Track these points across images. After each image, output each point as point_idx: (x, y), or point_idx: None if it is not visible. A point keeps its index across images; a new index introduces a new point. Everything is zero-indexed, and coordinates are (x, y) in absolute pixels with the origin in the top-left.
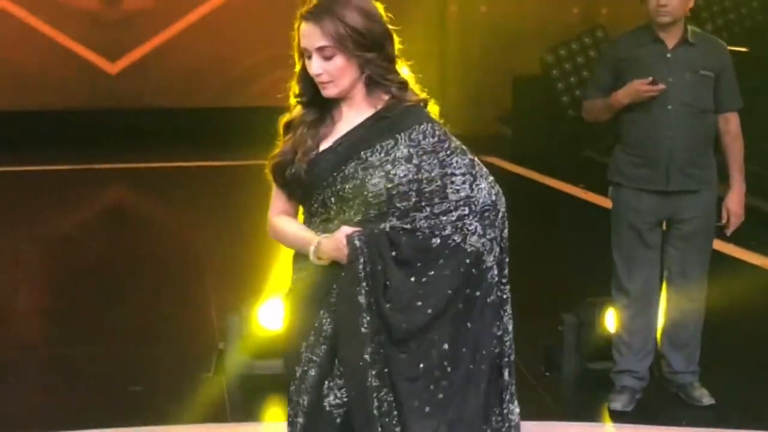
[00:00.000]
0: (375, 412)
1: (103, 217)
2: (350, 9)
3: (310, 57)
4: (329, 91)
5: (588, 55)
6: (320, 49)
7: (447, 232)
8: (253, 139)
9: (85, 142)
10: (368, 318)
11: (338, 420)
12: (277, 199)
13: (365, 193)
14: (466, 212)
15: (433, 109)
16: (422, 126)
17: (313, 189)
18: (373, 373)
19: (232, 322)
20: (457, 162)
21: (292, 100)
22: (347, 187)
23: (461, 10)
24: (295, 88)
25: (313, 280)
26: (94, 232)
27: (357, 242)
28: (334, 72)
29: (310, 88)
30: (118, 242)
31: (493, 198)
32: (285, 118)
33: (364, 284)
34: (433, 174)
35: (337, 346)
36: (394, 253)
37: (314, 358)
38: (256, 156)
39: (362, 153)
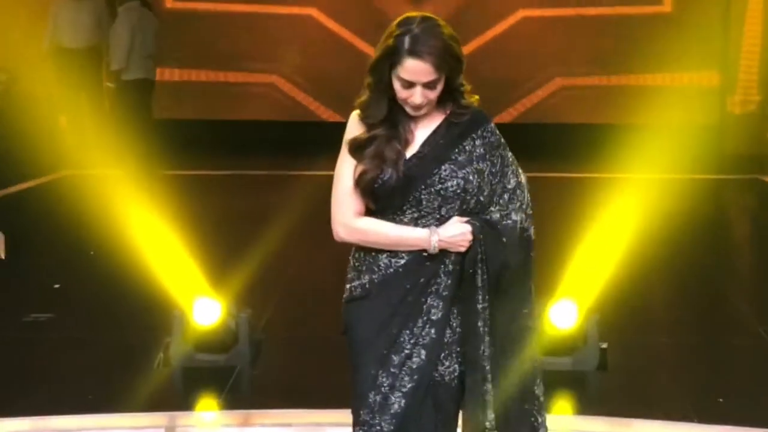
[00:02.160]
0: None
1: None
2: (454, 41)
3: (409, 87)
4: (420, 112)
5: None
6: (428, 83)
7: (514, 217)
8: None
9: None
10: (482, 295)
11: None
12: (349, 203)
13: (468, 189)
14: (522, 199)
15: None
16: (488, 125)
17: (409, 192)
18: (486, 340)
19: (175, 318)
20: (509, 155)
21: (355, 118)
22: (449, 184)
23: None
24: (367, 110)
25: (410, 273)
26: None
27: (476, 230)
28: (433, 98)
29: (385, 109)
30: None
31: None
32: (352, 141)
33: (482, 266)
34: (497, 167)
35: (462, 319)
36: (504, 239)
37: (420, 340)
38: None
39: (451, 155)
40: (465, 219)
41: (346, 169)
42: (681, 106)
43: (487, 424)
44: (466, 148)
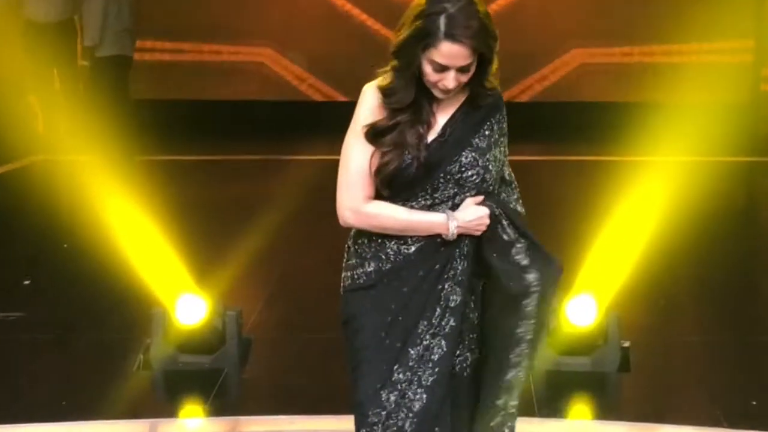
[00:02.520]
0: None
1: None
2: (489, 19)
3: (442, 71)
4: (448, 96)
5: None
6: (463, 66)
7: (519, 208)
8: None
9: None
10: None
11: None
12: (360, 187)
13: (486, 179)
14: (514, 187)
15: None
16: (503, 111)
17: (428, 179)
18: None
19: (156, 317)
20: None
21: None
22: (469, 173)
23: None
24: (394, 95)
25: (423, 260)
26: None
27: (496, 211)
28: (464, 80)
29: (413, 93)
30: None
31: None
32: (372, 127)
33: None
34: (503, 155)
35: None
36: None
37: (440, 330)
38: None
39: (473, 141)
40: (479, 199)
41: (357, 150)
42: (710, 83)
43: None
44: (486, 132)
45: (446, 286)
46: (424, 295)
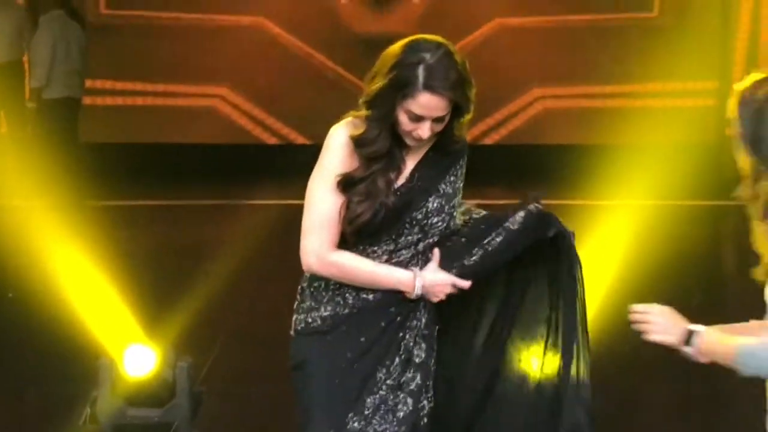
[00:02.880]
0: None
1: None
2: (467, 70)
3: (418, 121)
4: (419, 143)
5: None
6: (439, 117)
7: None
8: None
9: None
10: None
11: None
12: (326, 234)
13: (450, 225)
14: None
15: None
16: (465, 157)
17: (394, 225)
18: None
19: (102, 368)
20: None
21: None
22: (435, 219)
23: None
24: (369, 145)
25: (384, 310)
26: None
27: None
28: (437, 130)
29: (389, 143)
30: None
31: None
32: (345, 177)
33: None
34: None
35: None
36: None
37: (404, 386)
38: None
39: (439, 187)
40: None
41: (325, 197)
42: (674, 125)
43: None
44: (452, 179)
45: (407, 337)
46: (384, 345)
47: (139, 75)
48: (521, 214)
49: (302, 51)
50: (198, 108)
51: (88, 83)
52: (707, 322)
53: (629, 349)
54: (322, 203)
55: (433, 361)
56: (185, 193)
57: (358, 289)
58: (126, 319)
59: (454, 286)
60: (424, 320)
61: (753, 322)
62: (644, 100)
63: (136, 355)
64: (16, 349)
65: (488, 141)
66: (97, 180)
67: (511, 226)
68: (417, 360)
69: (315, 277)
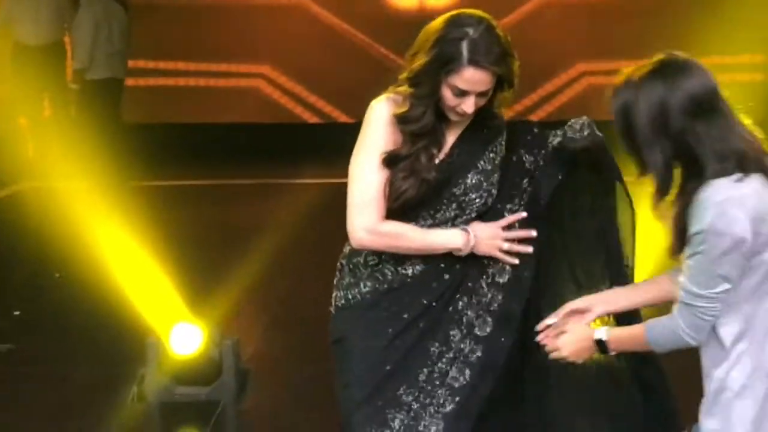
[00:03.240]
0: None
1: None
2: (510, 45)
3: (462, 95)
4: (463, 118)
5: None
6: (484, 91)
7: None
8: None
9: None
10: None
11: None
12: (375, 207)
13: (488, 203)
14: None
15: None
16: (504, 135)
17: (435, 200)
18: None
19: (150, 347)
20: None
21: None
22: (473, 196)
23: None
24: (413, 122)
25: (425, 287)
26: None
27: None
28: (481, 104)
29: (433, 119)
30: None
31: None
32: (390, 155)
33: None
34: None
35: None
36: None
37: (460, 356)
38: None
39: (478, 163)
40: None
41: (370, 171)
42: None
43: None
44: (491, 155)
45: (468, 312)
46: (433, 320)
47: (181, 55)
48: (559, 134)
49: (344, 30)
50: (240, 88)
51: (131, 63)
52: None
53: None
54: (367, 179)
55: (505, 339)
56: (229, 173)
57: (397, 264)
58: (172, 299)
59: (506, 241)
60: (490, 295)
61: (662, 276)
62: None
63: (183, 333)
64: (64, 330)
65: (534, 117)
66: (140, 160)
67: (551, 144)
68: (480, 333)
69: (354, 253)
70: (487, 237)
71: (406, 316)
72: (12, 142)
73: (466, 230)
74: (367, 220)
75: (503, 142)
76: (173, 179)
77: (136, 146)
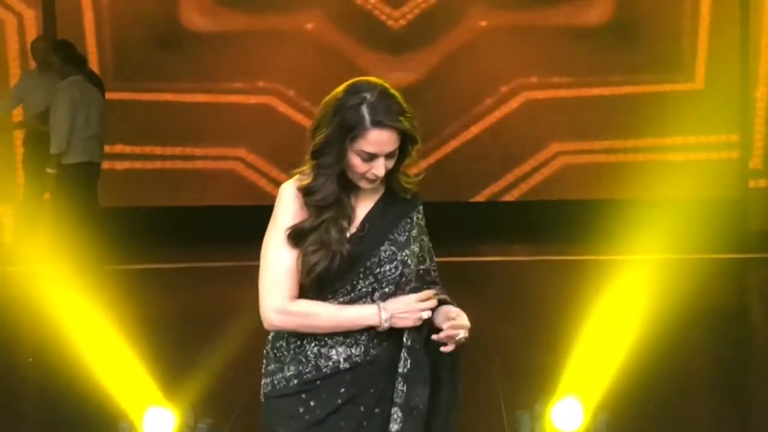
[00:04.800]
0: None
1: None
2: (404, 101)
3: (371, 160)
4: (373, 184)
5: None
6: (391, 152)
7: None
8: None
9: None
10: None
11: None
12: (284, 287)
13: (404, 273)
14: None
15: None
16: (420, 209)
17: (350, 274)
18: None
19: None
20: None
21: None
22: (387, 267)
23: None
24: (317, 194)
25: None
26: None
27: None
28: (390, 166)
29: (337, 190)
30: None
31: None
32: (295, 229)
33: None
34: (424, 254)
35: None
36: None
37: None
38: None
39: (390, 235)
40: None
41: (281, 251)
42: (698, 179)
43: None
44: (406, 227)
45: (397, 385)
46: (370, 397)
47: (156, 140)
48: None
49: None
50: (216, 170)
51: (107, 148)
52: (739, 376)
53: (653, 406)
54: (277, 259)
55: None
56: (205, 256)
57: (320, 345)
58: (145, 382)
59: (422, 304)
60: (410, 364)
61: None
62: (666, 154)
63: (156, 417)
64: (36, 413)
65: (509, 198)
66: (116, 244)
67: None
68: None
69: (277, 337)
70: (401, 310)
71: (339, 401)
72: None
73: (379, 306)
74: (276, 300)
75: (420, 217)
76: (148, 263)
77: (113, 230)
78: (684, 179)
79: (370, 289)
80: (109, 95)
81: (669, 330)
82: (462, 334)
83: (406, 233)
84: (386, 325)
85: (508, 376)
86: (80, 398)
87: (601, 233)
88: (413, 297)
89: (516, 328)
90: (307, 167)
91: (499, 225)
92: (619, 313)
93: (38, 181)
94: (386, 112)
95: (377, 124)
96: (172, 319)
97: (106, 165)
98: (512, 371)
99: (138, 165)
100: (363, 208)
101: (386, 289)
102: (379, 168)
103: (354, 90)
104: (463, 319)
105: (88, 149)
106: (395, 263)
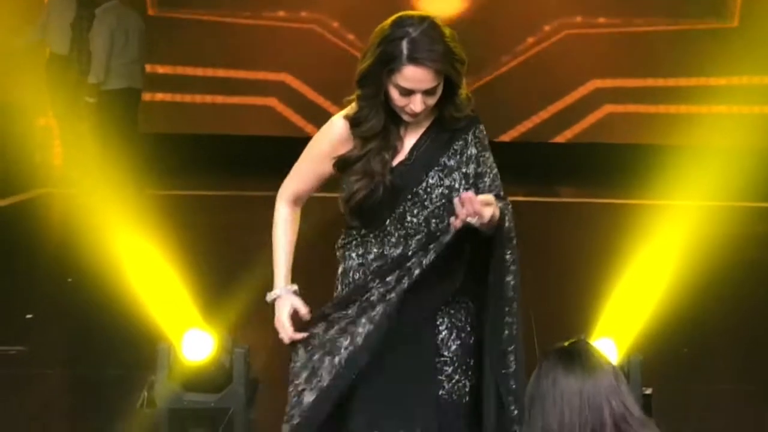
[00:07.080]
0: None
1: None
2: (455, 42)
3: (408, 94)
4: (416, 119)
5: None
6: (428, 89)
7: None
8: None
9: None
10: None
11: None
12: (294, 185)
13: (452, 198)
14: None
15: None
16: (480, 125)
17: (395, 205)
18: None
19: (161, 352)
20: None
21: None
22: (434, 195)
23: None
24: (363, 124)
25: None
26: None
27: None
28: (431, 103)
29: (383, 120)
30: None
31: None
32: (342, 158)
33: None
34: (485, 168)
35: None
36: None
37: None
38: None
39: (441, 160)
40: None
41: (308, 162)
42: (739, 129)
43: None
44: (457, 149)
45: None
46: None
47: (198, 61)
48: None
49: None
50: (256, 104)
51: (148, 68)
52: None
53: (687, 351)
54: (303, 164)
55: (467, 331)
56: (243, 183)
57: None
58: (186, 305)
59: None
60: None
61: None
62: (710, 106)
63: (195, 340)
64: (76, 334)
65: (559, 139)
66: (156, 170)
67: None
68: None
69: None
70: (278, 318)
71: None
72: (30, 147)
73: (279, 292)
74: (283, 189)
75: (479, 134)
76: (188, 189)
77: (152, 156)
78: (726, 129)
79: (422, 219)
80: (152, 13)
81: (707, 276)
82: (476, 219)
83: (457, 155)
84: (269, 300)
85: (543, 314)
86: (119, 319)
87: (643, 178)
88: (281, 321)
89: (553, 268)
90: (353, 96)
91: (540, 165)
92: (659, 258)
93: (67, 107)
94: (426, 50)
95: (413, 60)
96: (211, 245)
97: (146, 96)
98: (548, 311)
99: (178, 98)
100: (412, 137)
101: (440, 219)
102: (417, 104)
103: (400, 23)
104: (488, 204)
105: (127, 75)
106: (441, 189)
